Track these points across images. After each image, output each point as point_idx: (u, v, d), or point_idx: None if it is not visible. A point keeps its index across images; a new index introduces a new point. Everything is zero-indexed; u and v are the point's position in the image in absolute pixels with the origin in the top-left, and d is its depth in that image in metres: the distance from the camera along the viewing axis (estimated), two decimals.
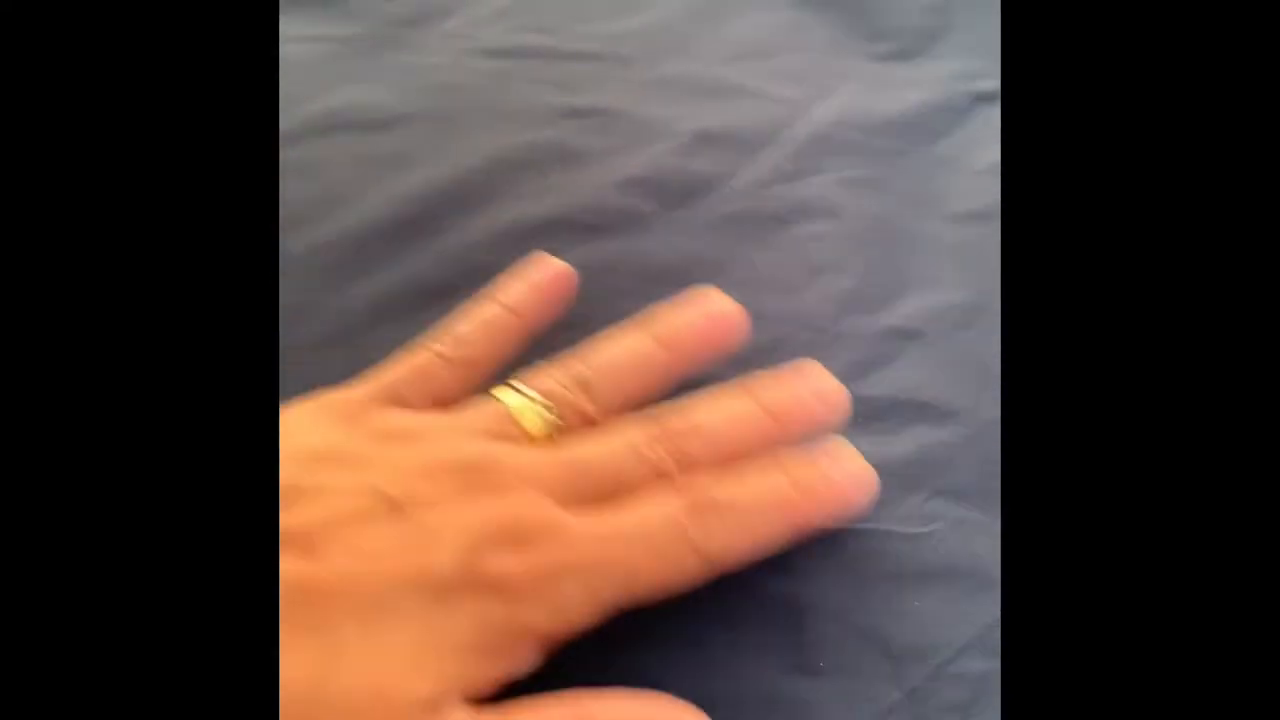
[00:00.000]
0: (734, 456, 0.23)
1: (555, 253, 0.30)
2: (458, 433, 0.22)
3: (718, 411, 0.23)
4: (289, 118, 0.33)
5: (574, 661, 0.22)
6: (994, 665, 0.22)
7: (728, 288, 0.29)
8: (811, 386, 0.24)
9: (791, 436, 0.23)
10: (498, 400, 0.23)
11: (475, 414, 0.23)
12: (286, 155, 0.31)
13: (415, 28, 0.37)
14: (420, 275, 0.29)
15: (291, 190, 0.30)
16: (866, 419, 0.26)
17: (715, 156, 0.33)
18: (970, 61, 0.36)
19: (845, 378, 0.27)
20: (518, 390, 0.23)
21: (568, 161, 0.32)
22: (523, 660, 0.20)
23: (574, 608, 0.20)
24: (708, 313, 0.25)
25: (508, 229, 0.30)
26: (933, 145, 0.34)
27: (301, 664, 0.18)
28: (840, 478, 0.23)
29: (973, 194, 0.32)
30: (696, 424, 0.23)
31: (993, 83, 0.36)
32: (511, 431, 0.22)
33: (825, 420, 0.24)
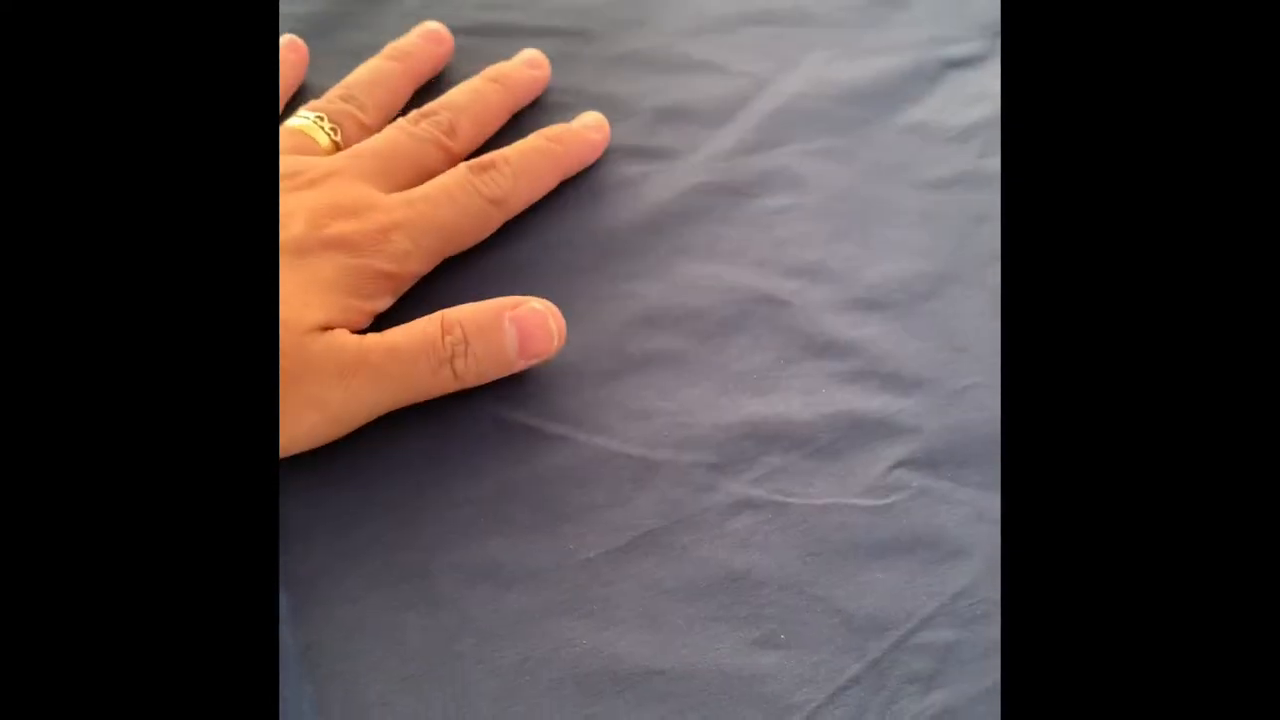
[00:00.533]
0: (485, 121, 0.30)
1: (513, 230, 0.29)
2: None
3: (457, 90, 0.31)
4: None
5: (528, 638, 0.21)
6: (962, 635, 0.22)
7: (691, 261, 0.29)
8: (521, 58, 0.33)
9: (518, 94, 0.32)
10: (286, 125, 0.29)
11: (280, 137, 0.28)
12: None
13: (374, 6, 0.37)
14: None
15: None
16: (830, 389, 0.26)
17: (678, 131, 0.32)
18: (939, 28, 0.36)
19: (809, 350, 0.27)
20: (300, 115, 0.29)
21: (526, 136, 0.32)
22: (379, 299, 0.25)
23: (406, 254, 0.26)
24: (420, 30, 0.33)
25: None
26: (900, 113, 0.33)
27: None
28: (579, 126, 0.31)
29: (941, 161, 0.32)
30: (445, 101, 0.30)
31: (962, 49, 0.35)
32: (308, 145, 0.28)
33: (534, 78, 0.32)
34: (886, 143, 0.32)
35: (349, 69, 0.32)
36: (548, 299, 0.25)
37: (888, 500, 0.24)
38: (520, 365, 0.25)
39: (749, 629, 0.22)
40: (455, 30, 0.36)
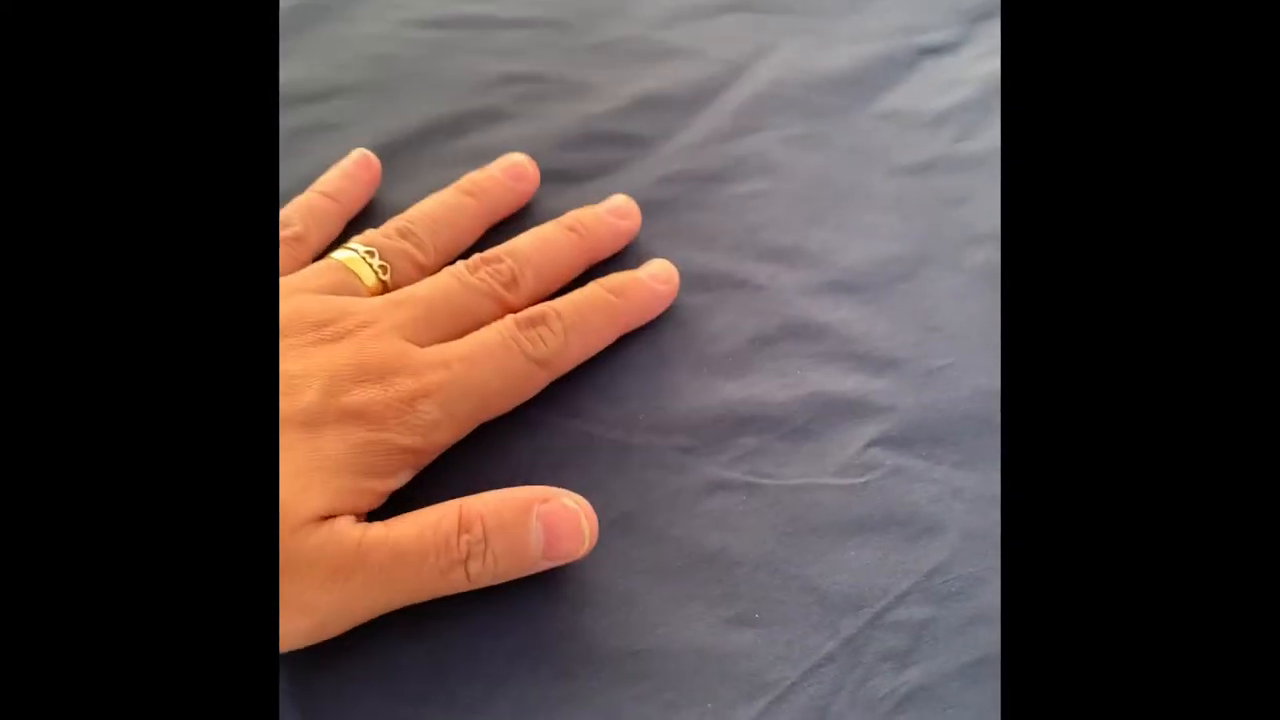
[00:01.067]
0: (552, 274, 0.26)
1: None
2: (301, 292, 0.24)
3: (527, 236, 0.27)
4: None
5: (504, 617, 0.21)
6: (936, 612, 0.22)
7: (665, 246, 0.29)
8: (607, 205, 0.29)
9: (597, 247, 0.28)
10: (332, 258, 0.25)
11: (312, 272, 0.25)
12: None
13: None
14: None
15: None
16: (805, 371, 0.26)
17: (653, 118, 0.32)
18: (913, 15, 0.36)
19: (783, 333, 0.27)
20: (349, 248, 0.26)
21: (503, 125, 0.32)
22: (396, 476, 0.22)
23: (434, 425, 0.22)
24: (504, 165, 0.30)
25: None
26: (874, 100, 0.33)
27: None
28: (645, 275, 0.27)
29: (915, 147, 0.32)
30: (510, 247, 0.26)
31: (936, 36, 0.35)
32: (351, 284, 0.25)
33: (621, 228, 0.28)
34: (862, 129, 0.32)
35: (329, 64, 0.32)
36: None
37: (862, 479, 0.24)
38: (543, 566, 0.22)
39: (724, 608, 0.22)
40: (428, 23, 0.36)
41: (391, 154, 0.31)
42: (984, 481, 0.24)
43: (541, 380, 0.25)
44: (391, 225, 0.27)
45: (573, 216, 0.28)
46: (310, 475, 0.21)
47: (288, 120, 0.32)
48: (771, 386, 0.25)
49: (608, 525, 0.23)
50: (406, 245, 0.26)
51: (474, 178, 0.29)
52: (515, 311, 0.25)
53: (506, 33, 0.35)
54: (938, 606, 0.22)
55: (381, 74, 0.34)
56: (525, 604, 0.22)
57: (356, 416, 0.22)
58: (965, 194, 0.30)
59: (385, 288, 0.25)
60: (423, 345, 0.23)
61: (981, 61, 0.34)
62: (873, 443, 0.24)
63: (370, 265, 0.25)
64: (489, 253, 0.26)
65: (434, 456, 0.23)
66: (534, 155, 0.30)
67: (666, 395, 0.25)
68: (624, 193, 0.30)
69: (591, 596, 0.22)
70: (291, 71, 0.34)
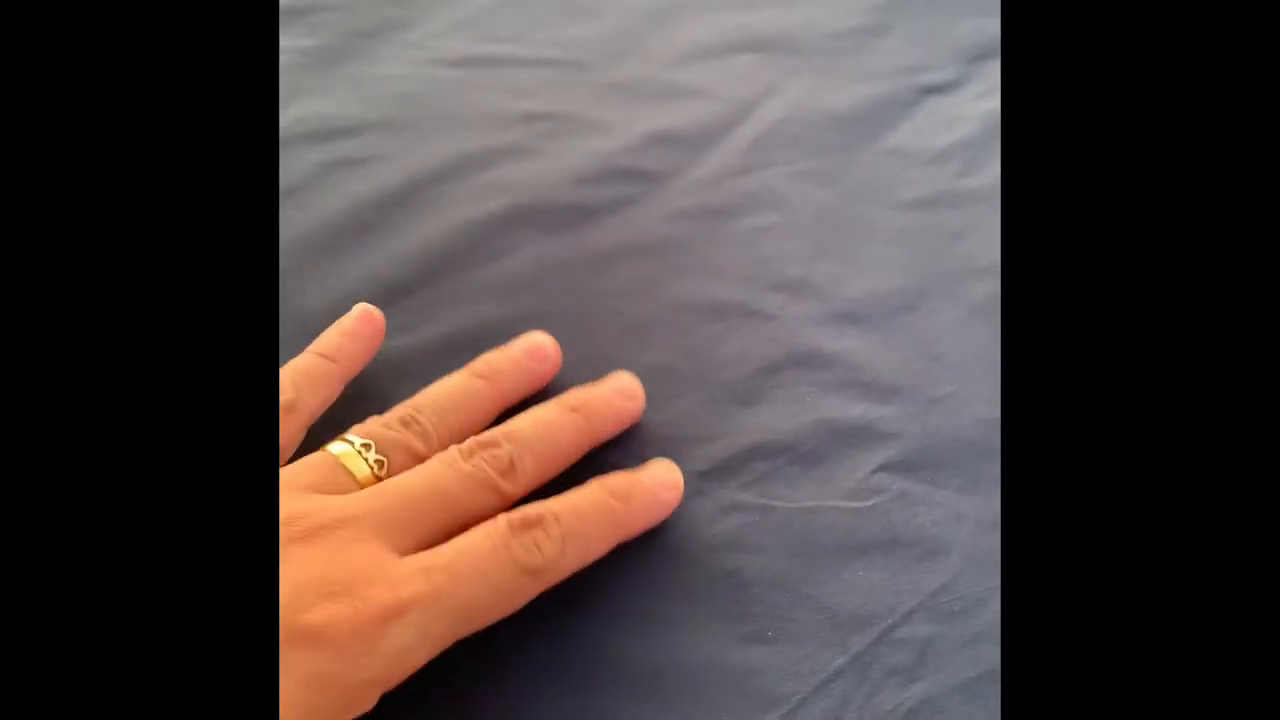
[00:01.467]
0: (553, 461, 0.24)
1: (509, 249, 0.31)
2: (283, 489, 0.22)
3: (526, 417, 0.24)
4: None
5: (527, 633, 0.22)
6: (940, 630, 0.23)
7: (678, 278, 0.30)
8: (612, 385, 0.26)
9: (600, 430, 0.25)
10: (326, 452, 0.23)
11: (300, 466, 0.23)
12: None
13: (376, 39, 0.38)
14: (378, 275, 0.30)
15: None
16: (813, 398, 0.27)
17: (666, 155, 0.33)
18: (916, 55, 0.37)
19: (792, 361, 0.28)
20: (345, 440, 0.23)
21: (523, 161, 0.33)
22: (360, 710, 0.20)
23: (405, 650, 0.20)
24: (523, 345, 0.27)
25: (464, 228, 0.31)
26: (879, 137, 0.35)
27: None
28: (650, 481, 0.24)
29: (918, 183, 0.33)
30: (508, 430, 0.24)
31: (938, 75, 0.37)
32: (340, 480, 0.22)
33: (626, 410, 0.26)
34: (867, 165, 0.34)
35: (355, 101, 0.33)
36: (542, 317, 0.26)
37: (869, 503, 0.25)
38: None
39: (738, 626, 0.23)
40: (450, 63, 0.37)
41: (419, 189, 0.32)
42: (985, 506, 0.25)
43: (531, 593, 0.22)
44: (395, 414, 0.24)
45: (576, 397, 0.25)
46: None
47: (316, 155, 0.33)
48: (782, 413, 0.27)
49: (626, 544, 0.24)
50: (408, 436, 0.24)
51: (490, 359, 0.26)
52: (511, 502, 0.23)
53: (526, 72, 0.36)
54: (942, 625, 0.23)
55: (407, 111, 0.35)
56: (548, 620, 0.23)
57: (315, 640, 0.19)
58: (966, 228, 0.32)
59: (379, 481, 0.23)
60: (405, 546, 0.21)
61: (982, 100, 0.36)
62: (879, 468, 0.25)
63: (365, 460, 0.23)
64: (485, 436, 0.23)
65: (398, 683, 0.21)
66: (554, 190, 0.32)
67: (681, 422, 0.26)
68: (640, 226, 0.31)
69: (613, 614, 0.23)
70: (318, 108, 0.35)
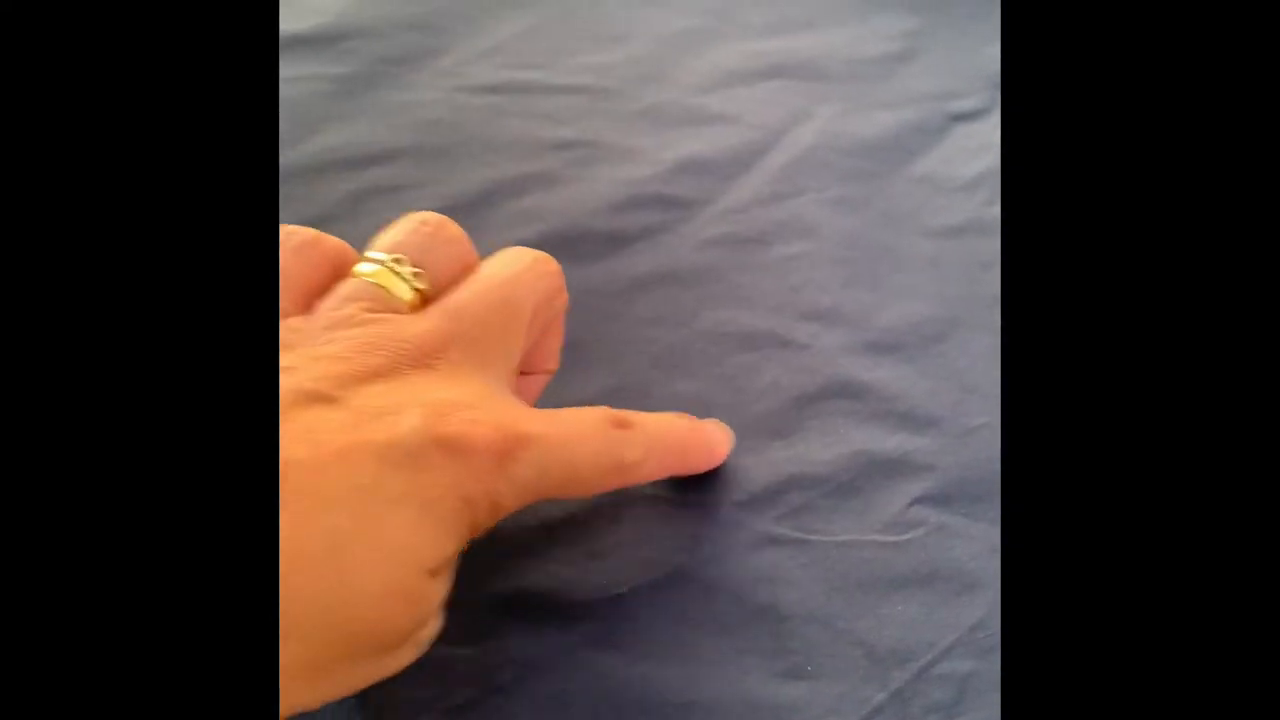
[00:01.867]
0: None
1: None
2: (342, 320, 0.20)
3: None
4: (282, 157, 0.34)
5: (565, 669, 0.22)
6: (979, 666, 0.23)
7: (710, 306, 0.30)
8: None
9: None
10: (358, 276, 0.21)
11: (348, 294, 0.21)
12: (280, 192, 0.32)
13: (407, 67, 0.39)
14: None
15: (284, 222, 0.31)
16: (848, 429, 0.27)
17: (696, 182, 0.34)
18: (944, 82, 0.38)
19: (826, 392, 0.28)
20: (372, 259, 0.22)
21: (555, 189, 0.33)
22: (478, 530, 0.20)
23: (524, 484, 0.20)
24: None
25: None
26: (909, 165, 0.35)
27: (306, 568, 0.17)
28: (711, 426, 0.26)
29: (948, 210, 0.33)
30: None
31: (967, 103, 0.37)
32: (389, 301, 0.21)
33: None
34: (897, 192, 0.34)
35: (387, 128, 0.34)
36: (574, 345, 0.26)
37: (906, 536, 0.25)
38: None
39: (776, 661, 0.23)
40: (481, 89, 0.38)
41: (452, 216, 0.32)
42: None
43: (610, 485, 0.23)
44: (392, 233, 0.23)
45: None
46: (420, 523, 0.18)
47: (348, 184, 0.34)
48: (817, 444, 0.26)
49: (663, 578, 0.24)
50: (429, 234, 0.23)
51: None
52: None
53: (556, 99, 0.37)
54: (980, 660, 0.23)
55: (439, 138, 0.35)
56: (583, 652, 0.23)
57: (453, 449, 0.19)
58: (995, 257, 0.32)
59: (425, 301, 0.22)
60: (504, 375, 0.22)
61: None
62: (916, 500, 0.25)
63: (407, 280, 0.21)
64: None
65: (512, 511, 0.20)
66: (585, 218, 0.32)
67: None
68: (671, 254, 0.31)
69: (649, 648, 0.23)
70: (350, 135, 0.36)
